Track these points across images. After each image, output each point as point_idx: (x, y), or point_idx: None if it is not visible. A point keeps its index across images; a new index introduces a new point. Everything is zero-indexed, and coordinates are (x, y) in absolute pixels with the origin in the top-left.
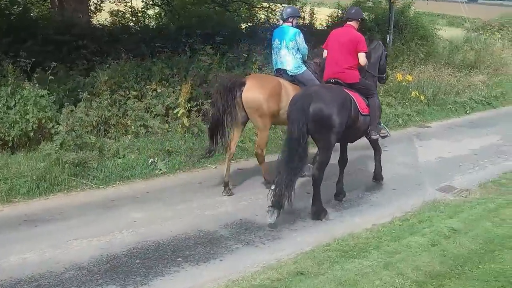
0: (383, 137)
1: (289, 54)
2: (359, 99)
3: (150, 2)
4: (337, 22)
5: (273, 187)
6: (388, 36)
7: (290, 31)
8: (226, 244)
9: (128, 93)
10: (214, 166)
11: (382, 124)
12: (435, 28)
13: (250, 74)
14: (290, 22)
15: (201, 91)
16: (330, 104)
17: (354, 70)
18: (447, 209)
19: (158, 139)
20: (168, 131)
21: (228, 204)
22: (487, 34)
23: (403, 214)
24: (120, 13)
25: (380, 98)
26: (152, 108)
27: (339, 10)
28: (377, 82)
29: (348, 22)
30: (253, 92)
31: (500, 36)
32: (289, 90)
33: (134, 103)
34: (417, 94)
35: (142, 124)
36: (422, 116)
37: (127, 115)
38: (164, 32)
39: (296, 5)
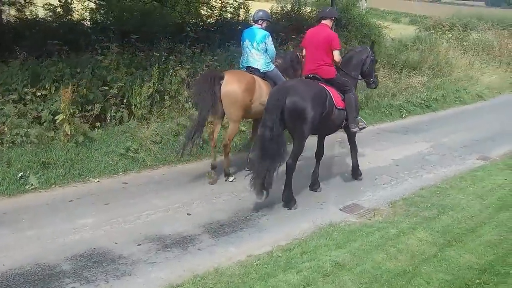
0: (361, 129)
1: (258, 54)
2: (335, 94)
3: None
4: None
5: (250, 175)
6: None
7: (259, 33)
8: (61, 283)
9: (8, 96)
10: (97, 180)
11: (359, 117)
12: (381, 27)
13: (152, 76)
14: (260, 24)
15: (99, 94)
16: (305, 97)
17: (330, 66)
18: (340, 236)
19: (32, 149)
20: (53, 139)
21: (86, 230)
22: (438, 34)
23: (288, 241)
24: (51, 7)
25: None
26: (29, 114)
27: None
28: (356, 82)
29: (322, 21)
30: (231, 85)
31: (450, 35)
32: (262, 85)
33: (14, 108)
34: None
35: (18, 132)
36: None
37: (3, 122)
38: (76, 29)
39: None
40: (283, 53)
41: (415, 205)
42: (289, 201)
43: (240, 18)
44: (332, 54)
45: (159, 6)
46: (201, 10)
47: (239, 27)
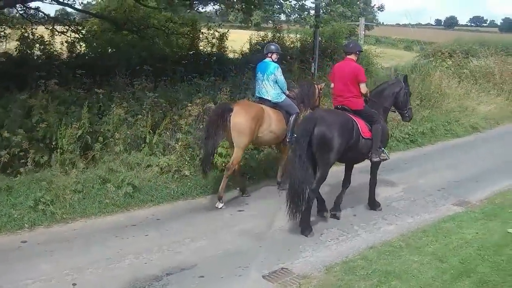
0: (383, 160)
1: (269, 85)
2: (362, 124)
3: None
4: (257, 50)
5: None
6: (312, 64)
7: (270, 66)
8: None
9: None
10: None
11: (383, 149)
12: (372, 55)
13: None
14: (270, 57)
15: (14, 137)
16: (332, 126)
17: (358, 98)
18: None
19: None
20: None
21: None
22: (438, 61)
23: None
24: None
25: None
26: None
27: (260, 33)
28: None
29: (347, 56)
30: (239, 116)
31: (450, 63)
32: (271, 115)
33: None
34: None
35: None
36: None
37: None
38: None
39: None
40: (300, 83)
41: (354, 272)
42: (305, 229)
43: (214, 50)
44: (359, 87)
45: (138, 39)
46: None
47: (214, 58)
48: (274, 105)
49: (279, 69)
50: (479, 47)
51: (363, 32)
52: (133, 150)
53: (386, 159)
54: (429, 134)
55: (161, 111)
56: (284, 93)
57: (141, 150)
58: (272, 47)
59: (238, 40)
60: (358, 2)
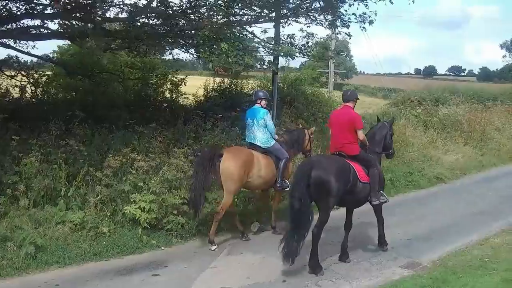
0: (382, 203)
1: (259, 131)
2: (359, 168)
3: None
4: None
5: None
6: (270, 112)
7: (260, 111)
8: None
9: None
10: None
11: (382, 192)
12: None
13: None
14: (259, 103)
15: None
16: (329, 170)
17: (354, 144)
18: None
19: None
20: None
21: None
22: (407, 109)
23: None
24: None
25: None
26: None
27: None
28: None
29: (345, 103)
30: (228, 162)
31: (420, 111)
32: (261, 160)
33: None
34: None
35: None
36: None
37: None
38: None
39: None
40: (289, 129)
41: None
42: (315, 268)
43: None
44: (356, 133)
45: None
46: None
47: (165, 105)
48: (264, 151)
49: (269, 115)
50: (449, 95)
51: (333, 80)
52: (48, 204)
53: (386, 202)
54: (388, 186)
55: (82, 161)
56: (274, 138)
57: (57, 204)
58: (261, 93)
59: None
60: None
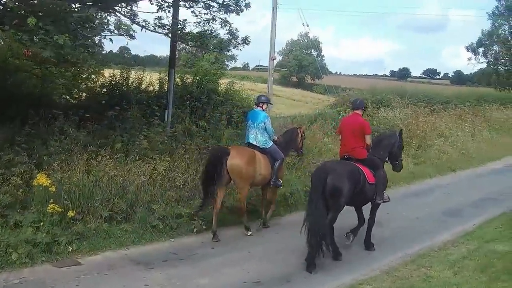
0: (385, 202)
1: (258, 132)
2: (367, 171)
3: None
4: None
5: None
6: (166, 112)
7: (261, 114)
8: None
9: None
10: None
11: (385, 192)
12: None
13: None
14: (261, 107)
15: None
16: (342, 176)
17: (362, 148)
18: None
19: None
20: None
21: None
22: (347, 110)
23: None
24: None
25: None
26: None
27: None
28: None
29: (354, 111)
30: (235, 159)
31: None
32: (261, 159)
33: None
34: (58, 207)
35: None
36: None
37: None
38: None
39: None
40: (286, 130)
41: None
42: (310, 265)
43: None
44: (365, 138)
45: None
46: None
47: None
48: (262, 151)
49: (269, 118)
50: (393, 96)
51: (272, 78)
52: None
53: (388, 201)
54: (281, 203)
55: None
56: (272, 140)
57: None
58: (263, 98)
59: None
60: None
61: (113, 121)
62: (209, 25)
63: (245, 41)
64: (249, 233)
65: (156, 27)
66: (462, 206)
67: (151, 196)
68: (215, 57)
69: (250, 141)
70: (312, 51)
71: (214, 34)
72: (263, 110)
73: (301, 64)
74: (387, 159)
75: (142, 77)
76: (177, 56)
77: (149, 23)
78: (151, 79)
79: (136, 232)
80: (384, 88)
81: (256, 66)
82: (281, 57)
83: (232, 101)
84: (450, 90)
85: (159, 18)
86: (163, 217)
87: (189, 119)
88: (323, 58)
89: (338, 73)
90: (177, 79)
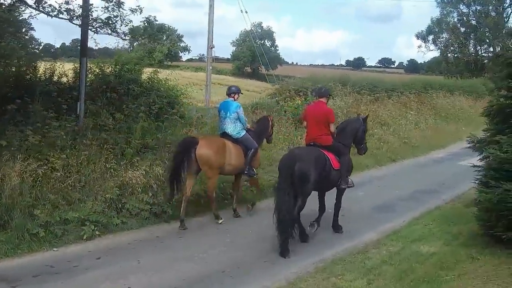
0: (349, 187)
1: (231, 122)
2: (332, 157)
3: None
4: None
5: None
6: (78, 104)
7: (233, 105)
8: None
9: None
10: None
11: (349, 178)
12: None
13: None
14: (232, 97)
15: None
16: (309, 163)
17: (328, 135)
18: None
19: None
20: None
21: None
22: (286, 100)
23: None
24: None
25: None
26: None
27: None
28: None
29: (319, 99)
30: (204, 149)
31: (299, 102)
32: (231, 148)
33: None
34: None
35: None
36: None
37: None
38: None
39: None
40: (258, 119)
41: None
42: (284, 251)
43: None
44: (329, 126)
45: None
46: None
47: None
48: (235, 140)
49: (241, 108)
50: (334, 84)
51: (210, 68)
52: None
53: (352, 186)
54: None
55: None
56: (245, 129)
57: None
58: (233, 88)
59: None
60: None
61: (14, 115)
62: (119, 11)
63: (161, 29)
64: (220, 221)
65: (59, 13)
66: (397, 200)
67: (33, 200)
68: (168, 49)
69: (224, 131)
70: (266, 41)
71: (125, 20)
72: (234, 100)
73: (254, 55)
74: (352, 144)
75: (53, 68)
76: (92, 45)
77: (55, 8)
78: (63, 69)
79: (10, 242)
80: (326, 76)
81: (198, 54)
82: (235, 47)
83: (157, 91)
84: (404, 79)
85: (67, 2)
86: (45, 223)
87: (106, 112)
88: (277, 48)
89: (294, 63)
90: (96, 69)
